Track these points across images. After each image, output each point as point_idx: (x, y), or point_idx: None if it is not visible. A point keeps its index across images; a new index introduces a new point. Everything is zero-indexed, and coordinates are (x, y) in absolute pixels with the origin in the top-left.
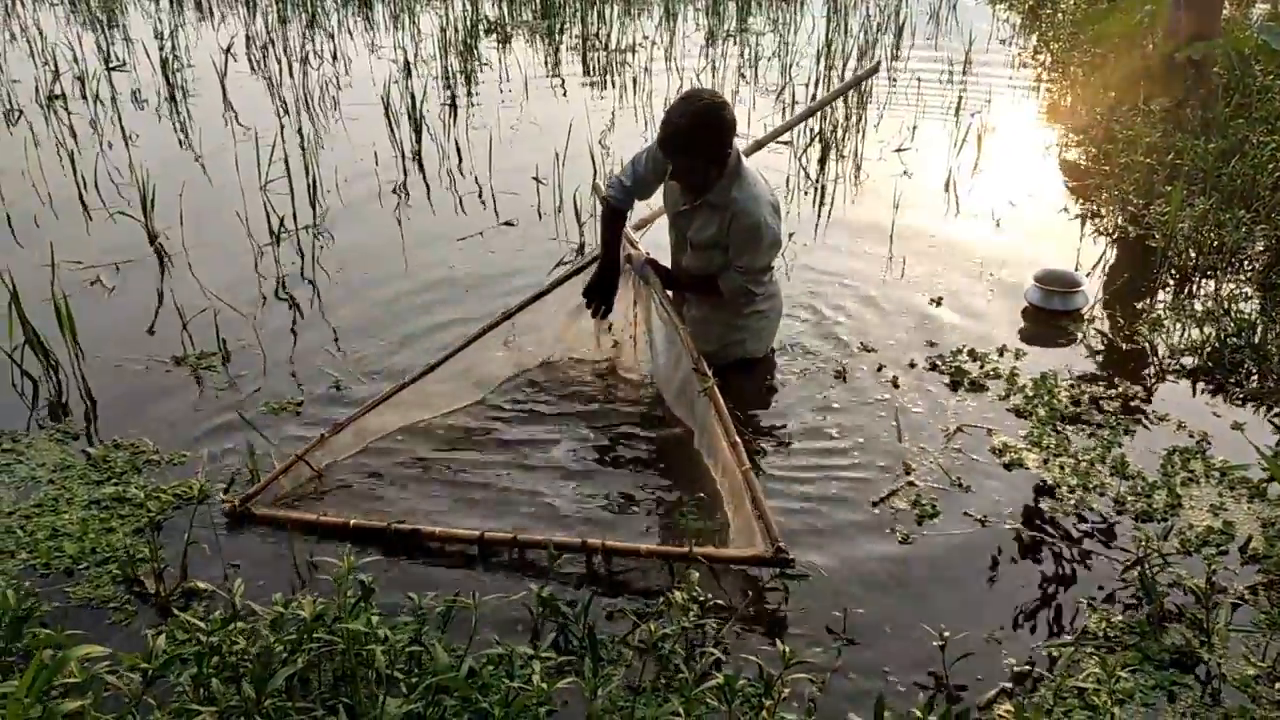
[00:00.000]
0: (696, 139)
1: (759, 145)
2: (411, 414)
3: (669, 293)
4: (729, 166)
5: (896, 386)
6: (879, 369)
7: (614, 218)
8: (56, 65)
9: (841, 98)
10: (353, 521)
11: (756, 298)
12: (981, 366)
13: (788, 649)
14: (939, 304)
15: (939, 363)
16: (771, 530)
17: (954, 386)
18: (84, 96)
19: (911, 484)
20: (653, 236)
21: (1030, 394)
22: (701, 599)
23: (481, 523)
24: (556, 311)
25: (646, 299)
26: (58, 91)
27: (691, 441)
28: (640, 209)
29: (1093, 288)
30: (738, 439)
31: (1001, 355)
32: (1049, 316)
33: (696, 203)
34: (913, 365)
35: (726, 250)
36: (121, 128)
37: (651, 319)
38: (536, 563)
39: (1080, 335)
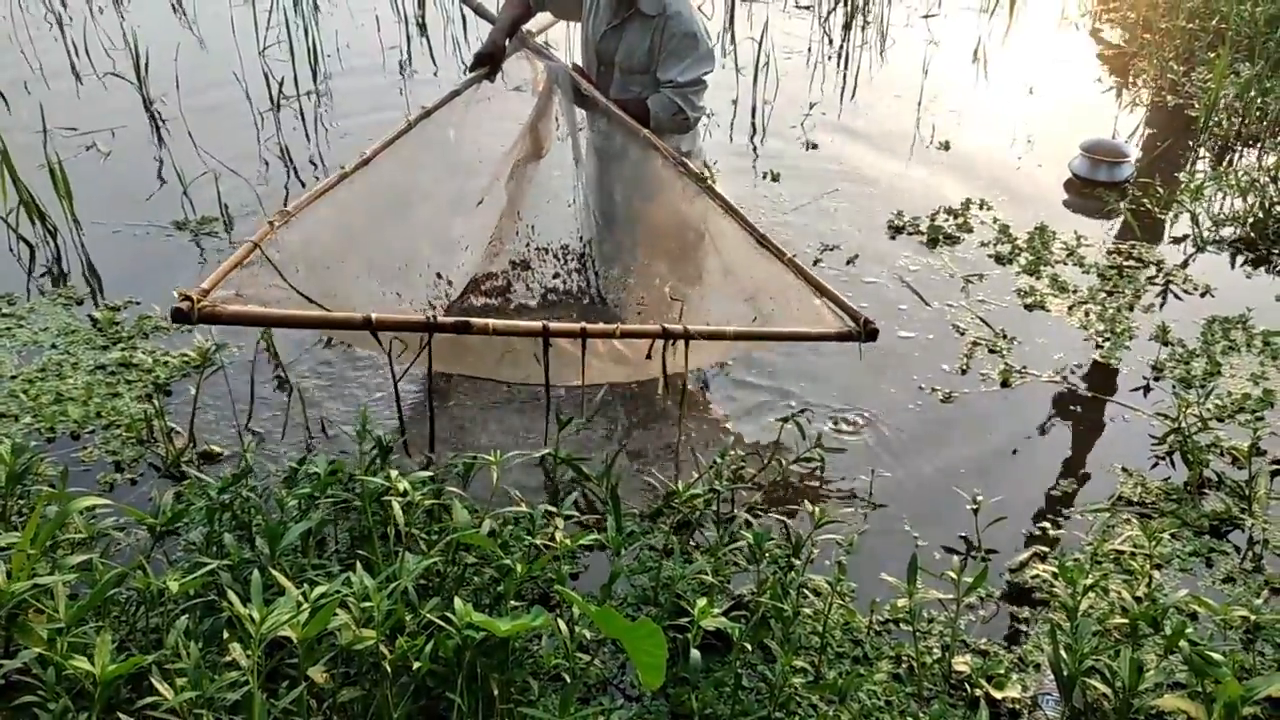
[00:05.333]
0: None
1: None
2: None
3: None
4: None
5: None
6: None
7: (518, 3)
8: None
9: None
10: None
11: (690, 121)
12: (960, 221)
13: (818, 509)
14: (968, 173)
15: (915, 227)
16: (850, 307)
17: (932, 244)
18: None
19: (977, 344)
20: None
21: (1022, 245)
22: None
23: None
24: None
25: (570, 111)
26: None
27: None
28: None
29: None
30: (764, 233)
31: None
32: (1093, 187)
33: (628, 13)
34: (896, 234)
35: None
36: None
37: (579, 138)
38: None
39: (1110, 202)
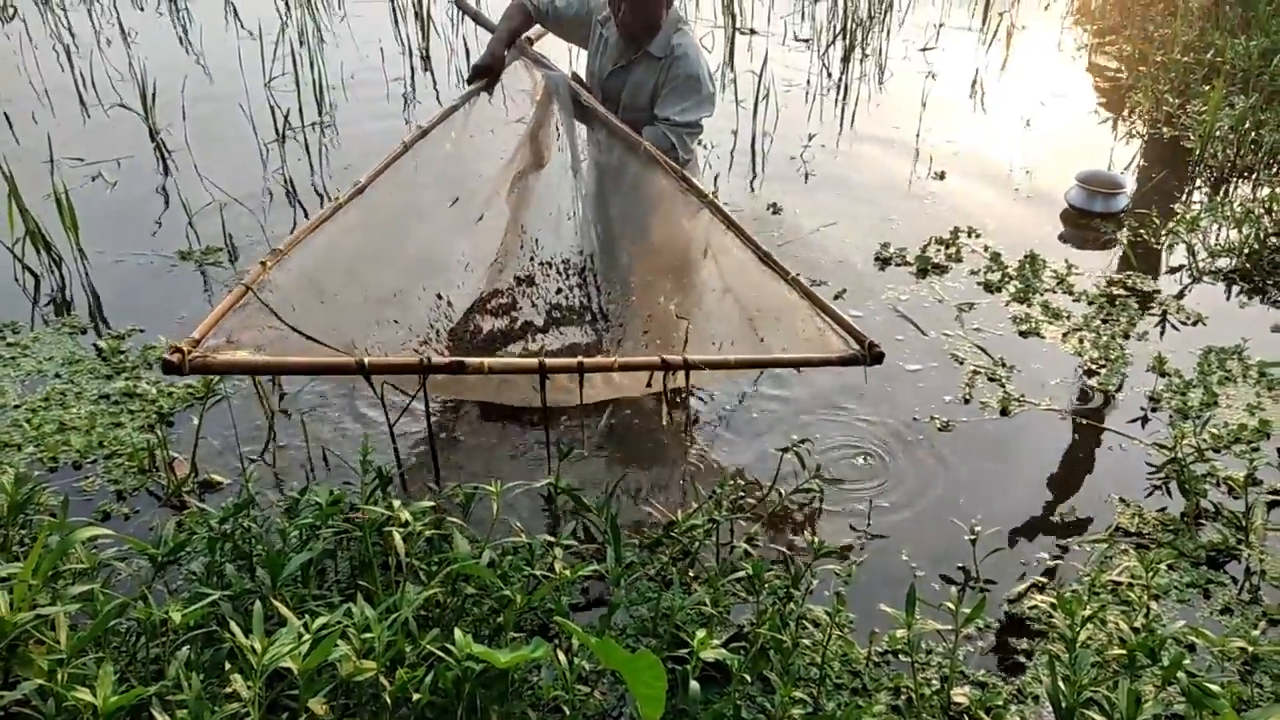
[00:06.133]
0: None
1: None
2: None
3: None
4: (672, 11)
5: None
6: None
7: (518, 13)
8: None
9: None
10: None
11: (679, 161)
12: (951, 250)
13: (817, 539)
14: (965, 204)
15: (901, 257)
16: (855, 330)
17: (922, 274)
18: None
19: (977, 372)
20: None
21: (1013, 273)
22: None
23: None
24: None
25: (569, 122)
26: None
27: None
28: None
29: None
30: (768, 250)
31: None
32: (1089, 218)
33: (635, 55)
34: (885, 265)
35: None
36: (120, 25)
37: (575, 145)
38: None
39: (1107, 233)
